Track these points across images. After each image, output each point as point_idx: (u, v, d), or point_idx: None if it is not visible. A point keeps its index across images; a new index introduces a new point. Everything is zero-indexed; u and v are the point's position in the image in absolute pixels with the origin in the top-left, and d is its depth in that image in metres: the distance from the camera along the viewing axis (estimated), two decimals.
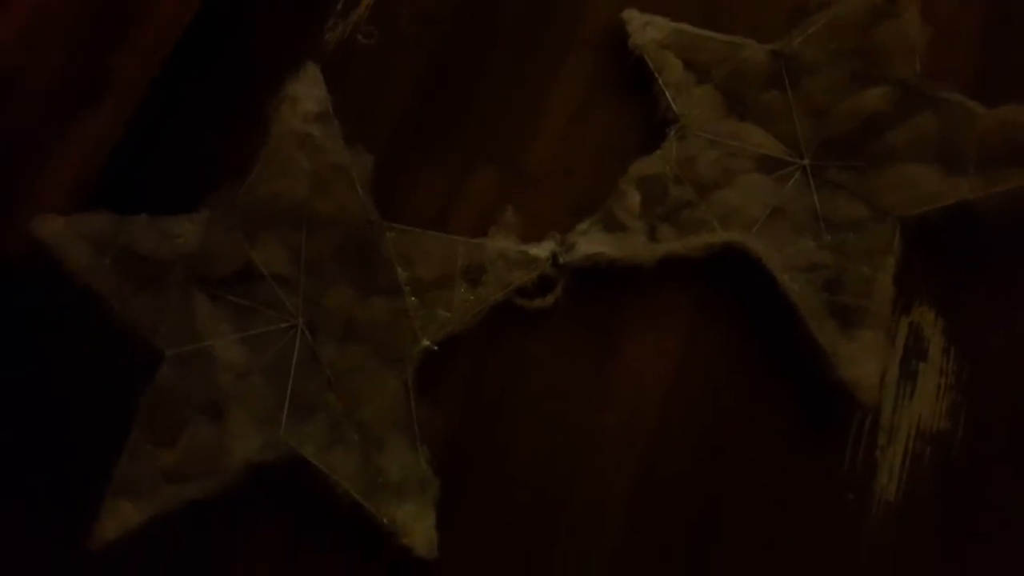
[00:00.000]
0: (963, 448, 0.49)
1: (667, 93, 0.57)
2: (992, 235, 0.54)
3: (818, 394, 0.50)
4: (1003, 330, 0.52)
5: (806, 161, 0.55)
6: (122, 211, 0.52)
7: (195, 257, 0.52)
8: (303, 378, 0.51)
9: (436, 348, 0.52)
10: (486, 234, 0.54)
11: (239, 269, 0.52)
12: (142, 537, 0.48)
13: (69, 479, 0.51)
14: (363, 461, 0.49)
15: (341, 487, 0.48)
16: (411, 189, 0.58)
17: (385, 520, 0.48)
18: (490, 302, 0.52)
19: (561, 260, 0.54)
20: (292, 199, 0.53)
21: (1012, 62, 0.59)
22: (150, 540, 0.48)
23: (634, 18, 0.59)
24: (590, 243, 0.54)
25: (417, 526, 0.48)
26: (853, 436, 0.50)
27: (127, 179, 0.57)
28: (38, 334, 0.55)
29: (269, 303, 0.52)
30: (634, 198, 0.54)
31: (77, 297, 0.51)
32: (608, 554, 0.49)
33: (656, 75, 0.57)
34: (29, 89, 0.51)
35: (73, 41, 0.53)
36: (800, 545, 0.48)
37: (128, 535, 0.47)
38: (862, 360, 0.49)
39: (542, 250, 0.54)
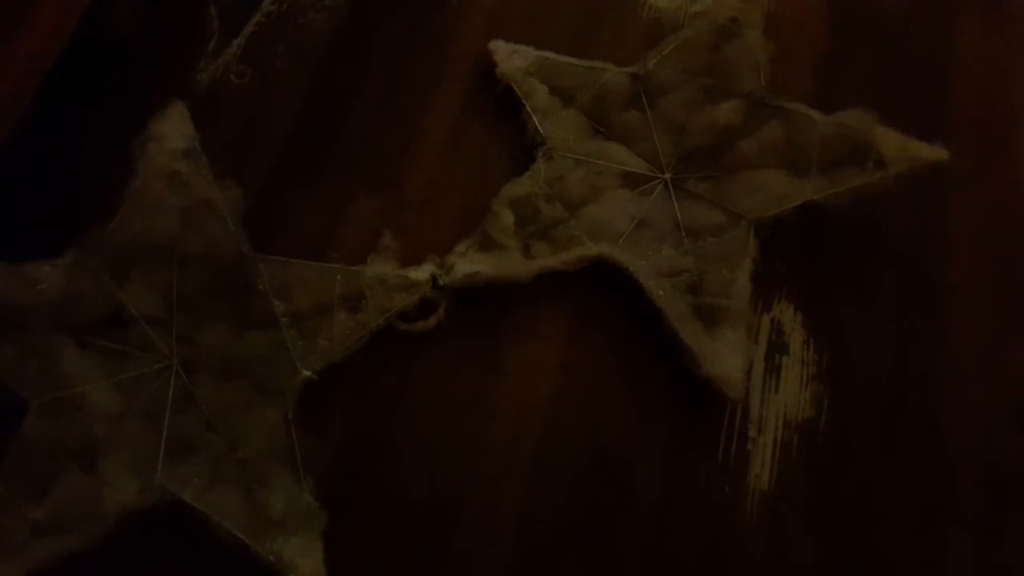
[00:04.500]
0: (827, 433, 0.52)
1: (534, 118, 0.59)
2: (840, 232, 0.58)
3: (692, 393, 0.52)
4: (856, 319, 0.56)
5: (667, 175, 0.58)
6: None
7: (60, 303, 0.50)
8: (180, 419, 0.50)
9: (317, 378, 0.51)
10: (367, 261, 0.55)
11: (109, 313, 0.51)
12: None
13: None
14: (245, 498, 0.48)
15: (223, 527, 0.48)
16: (291, 221, 0.58)
17: (271, 558, 0.47)
18: (371, 328, 0.53)
19: (441, 282, 0.55)
20: (161, 236, 0.52)
21: (845, 72, 0.64)
22: None
23: (500, 48, 0.62)
24: (468, 263, 0.55)
25: (304, 561, 0.47)
26: (726, 431, 0.52)
27: None
28: None
29: (142, 345, 0.51)
30: (507, 218, 0.56)
31: None
32: (500, 569, 0.49)
33: (524, 101, 0.60)
34: None
35: None
36: (682, 539, 0.50)
37: None
38: (726, 357, 0.51)
39: (421, 273, 0.55)
